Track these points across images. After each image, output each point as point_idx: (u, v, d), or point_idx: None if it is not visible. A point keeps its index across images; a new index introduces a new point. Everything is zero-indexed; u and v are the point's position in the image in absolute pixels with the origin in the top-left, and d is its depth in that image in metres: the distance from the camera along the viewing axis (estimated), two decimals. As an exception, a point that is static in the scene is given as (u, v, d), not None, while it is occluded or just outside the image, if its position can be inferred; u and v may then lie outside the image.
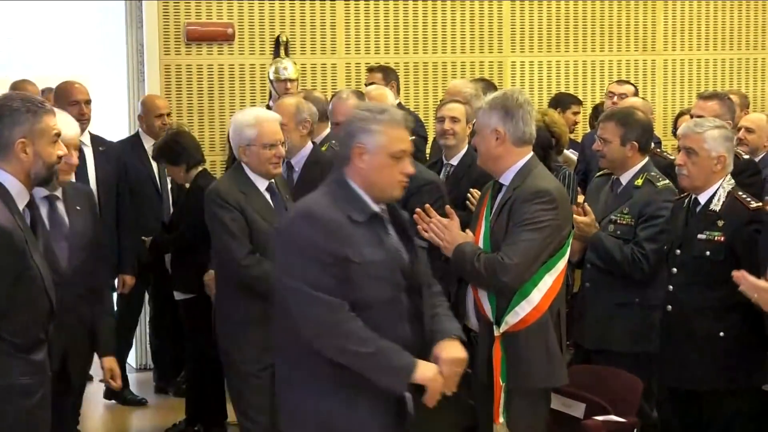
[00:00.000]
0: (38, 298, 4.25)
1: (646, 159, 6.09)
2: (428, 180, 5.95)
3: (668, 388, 5.77)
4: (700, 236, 5.53)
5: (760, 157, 7.36)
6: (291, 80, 8.79)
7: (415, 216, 5.07)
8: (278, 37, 9.51)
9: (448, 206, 5.28)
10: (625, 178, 6.06)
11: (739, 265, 5.03)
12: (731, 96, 8.38)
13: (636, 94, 8.94)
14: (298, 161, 6.68)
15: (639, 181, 6.00)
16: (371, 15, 9.79)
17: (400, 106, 6.63)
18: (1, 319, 4.12)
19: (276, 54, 9.41)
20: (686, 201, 5.71)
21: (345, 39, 9.76)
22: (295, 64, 9.08)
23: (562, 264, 5.07)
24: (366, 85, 8.76)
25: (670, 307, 5.63)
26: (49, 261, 4.51)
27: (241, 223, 5.75)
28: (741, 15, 10.69)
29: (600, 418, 5.13)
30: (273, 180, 5.92)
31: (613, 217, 5.98)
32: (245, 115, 5.96)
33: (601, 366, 5.74)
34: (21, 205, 4.25)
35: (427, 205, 5.23)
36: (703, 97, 7.12)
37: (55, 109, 4.51)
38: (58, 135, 4.35)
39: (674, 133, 8.85)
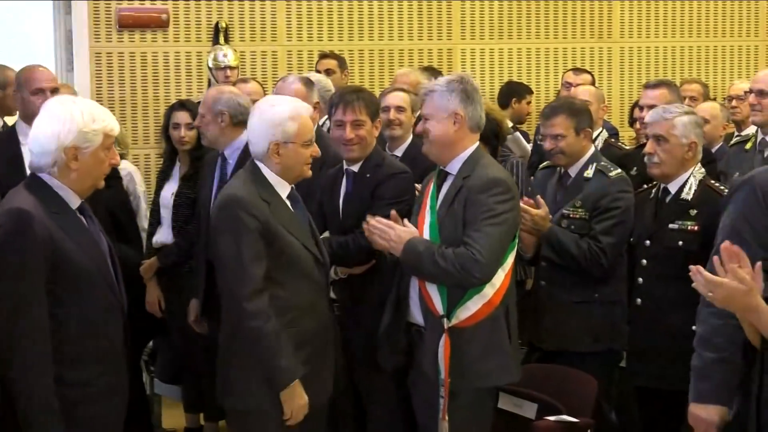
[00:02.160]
0: None
1: (593, 148, 6.01)
2: (401, 169, 5.73)
3: (635, 387, 5.70)
4: (671, 226, 5.51)
5: (717, 147, 7.36)
6: (231, 68, 8.66)
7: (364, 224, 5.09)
8: (217, 23, 9.31)
9: (393, 212, 5.15)
10: (574, 170, 5.91)
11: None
12: (695, 84, 8.24)
13: (593, 83, 8.82)
14: (232, 153, 6.45)
15: (589, 173, 5.87)
16: (314, 0, 9.65)
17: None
18: None
19: (215, 41, 9.22)
20: (653, 191, 5.68)
21: (286, 25, 9.59)
22: (235, 51, 8.95)
23: (512, 258, 5.05)
24: (317, 71, 8.62)
25: (639, 300, 5.61)
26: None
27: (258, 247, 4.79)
28: (699, 2, 10.66)
29: (552, 418, 5.04)
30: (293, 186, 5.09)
31: (565, 211, 5.83)
32: (282, 106, 4.94)
33: (554, 365, 5.65)
34: None
35: (393, 213, 5.14)
36: (651, 85, 7.08)
37: None
38: None
39: (630, 123, 8.70)
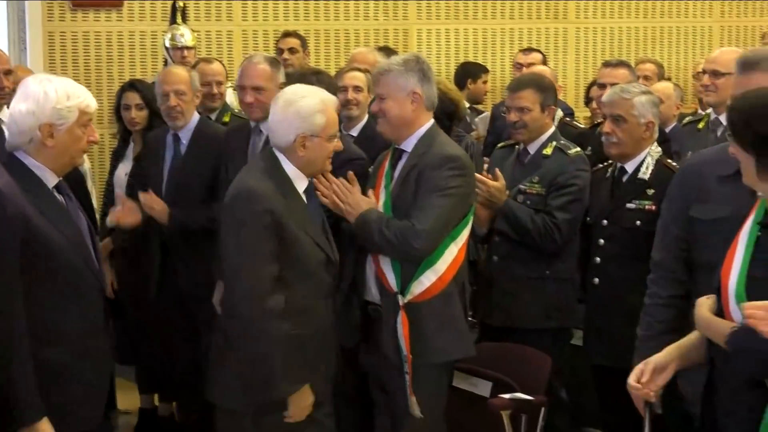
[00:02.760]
0: None
1: (553, 127, 6.03)
2: (357, 155, 5.67)
3: (591, 365, 5.69)
4: (629, 205, 5.50)
5: (670, 127, 7.38)
6: (188, 48, 8.53)
7: (314, 180, 4.93)
8: (174, 2, 9.16)
9: (350, 172, 5.13)
10: (533, 148, 5.93)
11: None
12: (649, 64, 8.28)
13: (544, 62, 8.84)
14: (186, 133, 6.46)
15: (548, 150, 5.89)
16: (270, -21, 9.63)
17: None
18: None
19: (171, 20, 9.08)
20: (609, 170, 5.67)
21: (242, 5, 9.55)
22: (192, 30, 8.83)
23: (466, 233, 5.08)
24: (280, 50, 8.66)
25: (596, 280, 5.60)
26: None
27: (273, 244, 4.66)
28: (654, -18, 10.75)
29: (506, 396, 5.04)
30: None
31: (522, 186, 5.85)
32: (312, 97, 4.78)
33: (507, 343, 5.65)
34: None
35: (351, 174, 5.11)
36: (612, 64, 7.25)
37: None
38: None
39: (586, 103, 8.72)
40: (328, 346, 4.85)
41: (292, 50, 8.53)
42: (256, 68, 6.18)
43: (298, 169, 4.74)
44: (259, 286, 4.56)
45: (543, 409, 5.24)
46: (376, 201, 5.06)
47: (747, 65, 4.23)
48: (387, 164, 5.11)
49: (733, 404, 3.65)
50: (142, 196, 6.27)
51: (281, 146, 4.75)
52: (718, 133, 6.35)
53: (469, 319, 5.50)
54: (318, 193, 4.95)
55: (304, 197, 4.78)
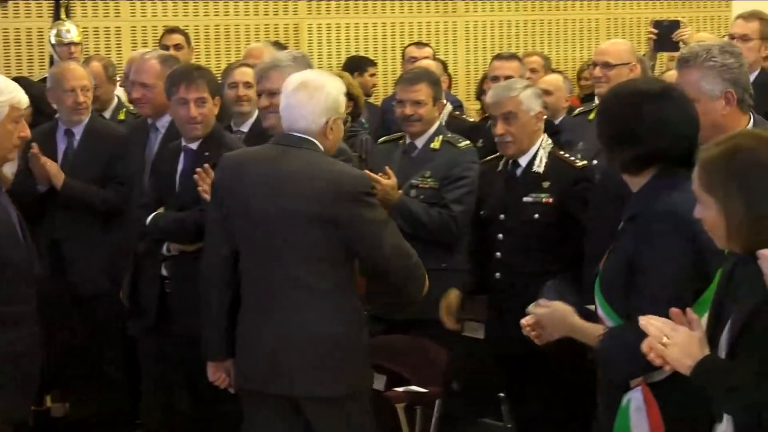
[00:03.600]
0: None
1: (440, 121, 6.12)
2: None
3: (495, 355, 5.70)
4: (526, 199, 5.52)
5: (560, 119, 7.43)
6: (75, 44, 8.41)
7: (195, 176, 4.99)
8: None
9: (206, 165, 5.14)
10: (420, 142, 5.99)
11: (572, 226, 5.32)
12: (535, 57, 8.38)
13: (434, 57, 8.91)
14: (78, 129, 6.50)
15: (436, 144, 5.96)
16: (157, -24, 9.57)
17: None
18: None
19: (56, 17, 8.95)
20: (501, 164, 5.67)
21: (130, 1, 9.50)
22: (78, 26, 8.70)
23: None
24: (162, 46, 8.46)
25: (498, 274, 5.59)
26: None
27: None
28: (540, -24, 10.89)
29: (400, 389, 5.10)
30: None
31: (414, 181, 5.89)
32: (335, 80, 4.79)
33: (403, 335, 5.69)
34: None
35: (207, 165, 5.07)
36: (503, 57, 7.34)
37: None
38: None
39: (478, 96, 8.80)
40: None
41: (177, 47, 8.44)
42: (145, 65, 6.17)
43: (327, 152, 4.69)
44: None
45: (438, 401, 5.30)
46: None
47: (682, 62, 4.27)
48: None
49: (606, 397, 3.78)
50: (35, 154, 6.24)
51: (312, 131, 4.61)
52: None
53: (365, 312, 5.56)
54: (200, 189, 5.04)
55: None
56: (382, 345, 5.39)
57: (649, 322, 3.16)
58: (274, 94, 5.04)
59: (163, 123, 5.99)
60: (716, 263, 3.41)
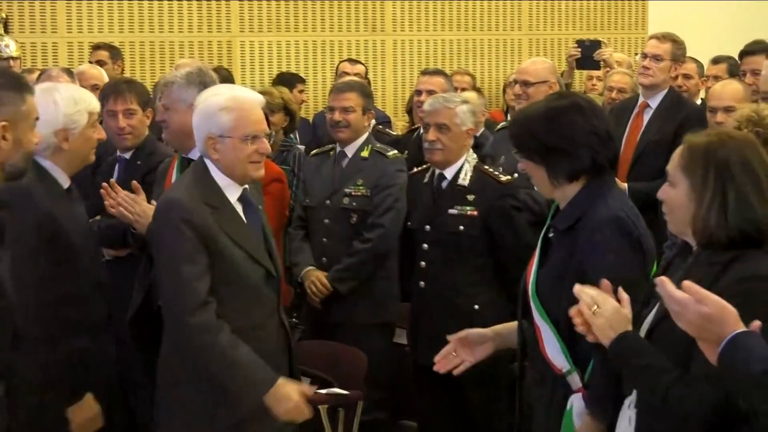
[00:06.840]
0: None
1: (368, 132, 6.30)
2: (172, 157, 5.56)
3: (420, 365, 5.64)
4: (451, 211, 5.59)
5: (479, 132, 7.41)
6: (13, 58, 8.56)
7: (102, 191, 4.87)
8: None
9: (134, 182, 4.97)
10: (350, 150, 6.19)
11: (494, 239, 5.45)
12: (466, 76, 8.60)
13: (366, 74, 9.06)
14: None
15: (365, 153, 6.15)
16: (93, -9, 9.54)
17: None
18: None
19: None
20: (428, 176, 5.75)
21: (66, 16, 9.52)
22: (17, 42, 8.83)
23: None
24: (90, 62, 8.54)
25: (422, 283, 5.68)
26: None
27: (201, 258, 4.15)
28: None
29: (323, 391, 5.09)
30: (247, 186, 4.37)
31: (347, 189, 6.08)
32: (218, 95, 4.30)
33: (324, 341, 5.80)
34: None
35: (112, 180, 4.97)
36: (429, 72, 7.43)
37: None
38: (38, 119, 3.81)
39: (409, 111, 8.95)
40: (281, 368, 4.28)
41: (101, 62, 8.41)
42: (57, 81, 6.18)
43: (225, 176, 4.26)
44: (187, 301, 4.10)
45: (360, 404, 5.39)
46: None
47: None
48: (175, 171, 5.00)
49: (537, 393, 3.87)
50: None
51: (202, 152, 4.32)
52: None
53: (293, 320, 5.70)
54: (107, 204, 4.85)
55: (238, 207, 4.31)
56: (307, 349, 5.46)
57: (582, 290, 3.21)
58: (167, 109, 4.97)
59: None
60: (652, 264, 3.60)
